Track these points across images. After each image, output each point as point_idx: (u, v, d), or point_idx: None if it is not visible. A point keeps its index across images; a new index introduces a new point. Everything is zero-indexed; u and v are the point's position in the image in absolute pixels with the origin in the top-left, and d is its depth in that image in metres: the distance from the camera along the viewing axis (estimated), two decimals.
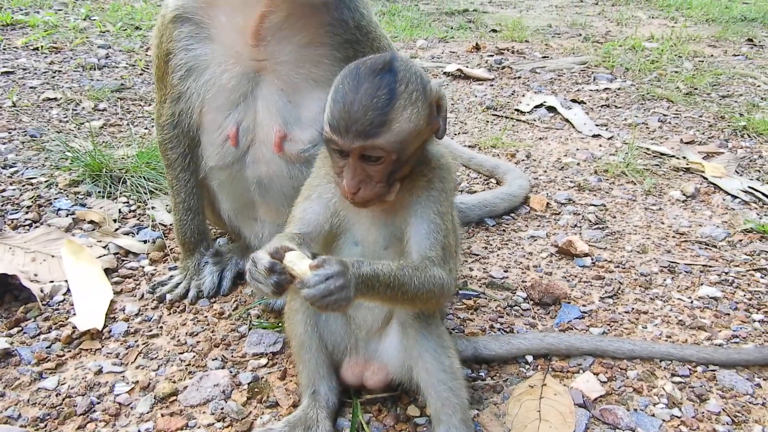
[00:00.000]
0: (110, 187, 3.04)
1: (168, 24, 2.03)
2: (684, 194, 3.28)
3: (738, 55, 6.78)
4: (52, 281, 2.32)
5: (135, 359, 1.97)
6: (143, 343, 2.05)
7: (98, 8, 7.36)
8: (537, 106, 4.67)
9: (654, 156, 3.79)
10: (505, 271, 2.57)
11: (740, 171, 3.62)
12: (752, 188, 3.32)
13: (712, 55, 6.66)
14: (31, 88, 4.47)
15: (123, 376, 1.90)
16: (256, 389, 1.87)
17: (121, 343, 2.04)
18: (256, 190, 2.15)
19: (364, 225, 1.65)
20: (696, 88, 5.23)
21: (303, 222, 1.67)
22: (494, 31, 7.64)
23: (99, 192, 2.99)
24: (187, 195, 2.27)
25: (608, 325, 2.25)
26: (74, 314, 2.14)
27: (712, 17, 9.03)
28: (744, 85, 5.55)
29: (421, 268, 1.51)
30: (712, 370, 2.01)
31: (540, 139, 4.09)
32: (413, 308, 1.65)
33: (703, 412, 1.85)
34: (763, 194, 3.25)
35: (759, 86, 5.53)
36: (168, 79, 2.09)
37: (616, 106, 4.80)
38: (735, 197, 3.27)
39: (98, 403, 1.79)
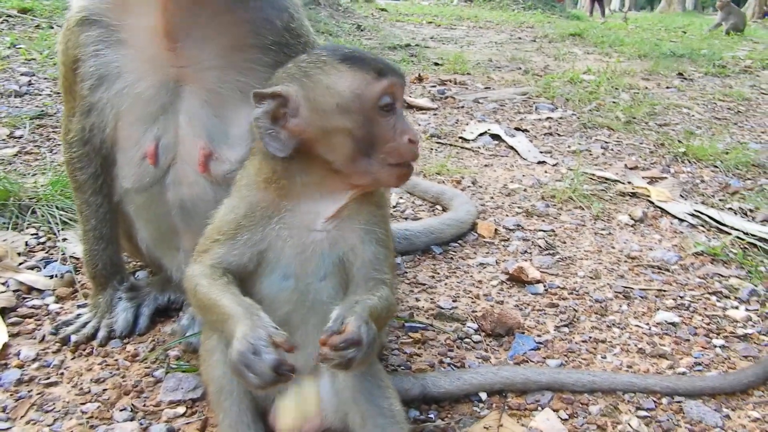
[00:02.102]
0: (17, 217, 2.72)
1: (73, 28, 1.79)
2: (632, 218, 3.20)
3: (670, 87, 6.97)
4: None
5: (26, 413, 1.67)
6: (38, 393, 1.75)
7: (26, 37, 6.97)
8: (481, 134, 4.59)
9: (600, 181, 3.73)
10: (454, 301, 2.38)
11: (684, 195, 3.59)
12: (698, 211, 3.27)
13: (646, 88, 6.82)
14: None
15: None
16: None
17: (11, 394, 1.74)
18: (177, 215, 1.90)
19: (303, 254, 1.44)
20: (634, 117, 5.28)
21: (225, 263, 1.47)
22: (437, 64, 7.65)
23: (4, 223, 2.68)
24: (98, 222, 2.00)
25: (565, 356, 2.08)
26: None
27: (643, 53, 9.35)
28: (679, 114, 5.67)
29: (381, 294, 1.41)
30: (678, 402, 1.86)
31: (485, 166, 3.99)
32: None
33: None
34: (710, 217, 3.20)
35: (693, 115, 5.65)
36: (76, 90, 1.84)
37: (558, 134, 4.78)
38: (682, 221, 3.21)
39: None
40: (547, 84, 6.39)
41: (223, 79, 1.78)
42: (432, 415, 1.77)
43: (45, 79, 5.32)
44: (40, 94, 4.90)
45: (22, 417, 1.66)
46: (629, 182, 3.69)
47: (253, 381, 1.25)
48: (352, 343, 1.26)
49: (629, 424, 1.76)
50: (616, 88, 6.45)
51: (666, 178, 3.81)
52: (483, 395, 1.84)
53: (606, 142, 4.56)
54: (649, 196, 3.47)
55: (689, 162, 4.16)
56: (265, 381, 1.24)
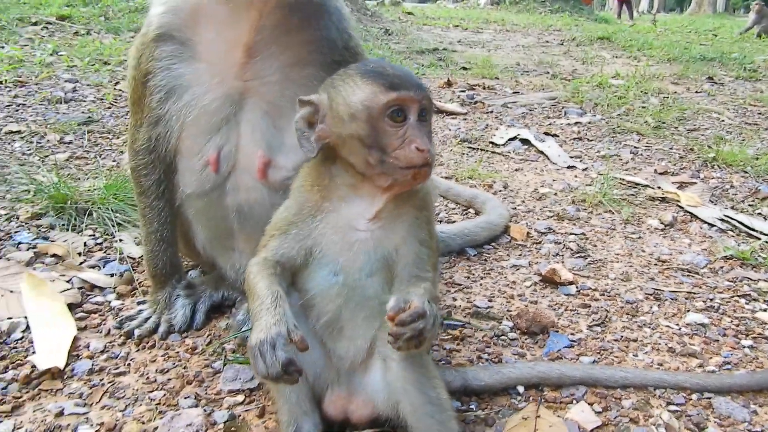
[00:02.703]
0: (75, 219, 2.89)
1: (150, 42, 1.94)
2: (662, 223, 3.27)
3: (700, 92, 6.98)
4: (10, 318, 2.16)
5: (100, 399, 1.82)
6: (109, 382, 1.90)
7: (65, 44, 7.23)
8: (511, 139, 4.69)
9: (629, 186, 3.80)
10: (490, 301, 2.49)
11: (714, 200, 3.65)
12: (728, 216, 3.33)
13: (675, 92, 6.84)
14: None
15: (87, 418, 1.74)
16: (232, 428, 1.73)
17: (85, 383, 1.89)
18: (235, 219, 2.04)
19: (350, 252, 1.57)
20: (664, 122, 5.33)
21: (278, 254, 1.62)
22: (464, 68, 7.75)
23: (63, 225, 2.85)
24: (160, 225, 2.15)
25: (598, 353, 2.18)
26: (34, 352, 1.99)
27: (672, 57, 9.33)
28: (709, 119, 5.69)
29: (425, 287, 1.51)
30: (707, 398, 1.95)
31: (516, 170, 4.08)
32: None
33: None
34: (740, 222, 3.26)
35: (723, 120, 5.67)
36: (145, 102, 1.99)
37: (588, 139, 4.85)
38: (712, 225, 3.27)
39: None
40: (575, 89, 6.45)
41: (283, 92, 1.92)
42: (473, 406, 1.88)
43: (88, 85, 5.54)
44: (85, 101, 5.11)
45: (96, 403, 1.81)
46: (659, 187, 3.76)
47: (262, 370, 1.37)
48: (419, 315, 1.39)
49: (660, 417, 1.85)
50: (645, 93, 6.49)
51: (695, 183, 3.87)
52: (520, 389, 1.95)
53: (635, 147, 4.62)
54: (678, 200, 3.53)
55: (719, 167, 4.21)
56: (272, 374, 1.37)
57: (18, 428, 1.69)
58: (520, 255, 2.90)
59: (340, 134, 1.52)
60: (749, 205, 3.59)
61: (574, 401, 1.92)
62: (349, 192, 1.58)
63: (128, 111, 4.80)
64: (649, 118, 5.41)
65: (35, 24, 7.98)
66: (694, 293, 2.60)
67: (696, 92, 6.95)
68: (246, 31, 1.84)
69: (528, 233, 3.10)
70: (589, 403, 1.90)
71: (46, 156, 3.74)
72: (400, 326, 1.38)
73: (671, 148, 4.65)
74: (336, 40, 1.95)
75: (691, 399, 1.95)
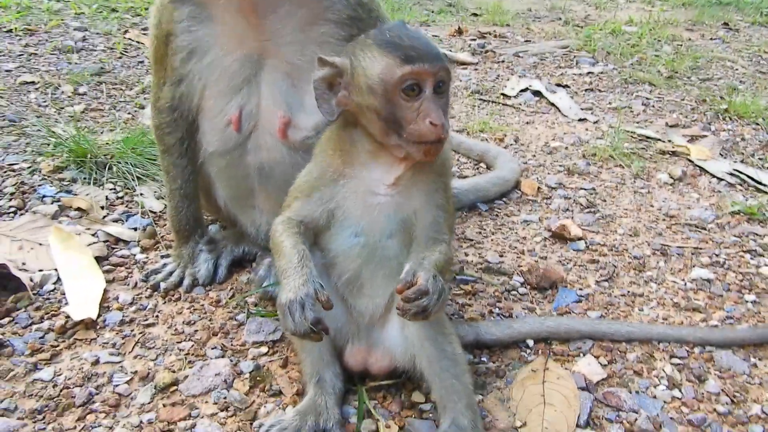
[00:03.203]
0: (96, 173, 2.96)
1: (167, 4, 1.96)
2: (671, 177, 3.31)
3: (715, 38, 6.85)
4: (41, 270, 2.25)
5: (132, 349, 1.93)
6: (140, 333, 2.01)
7: None
8: (522, 90, 4.67)
9: (640, 139, 3.81)
10: (501, 256, 2.57)
11: (724, 154, 3.67)
12: (737, 170, 3.37)
13: (690, 39, 6.72)
14: (6, 71, 4.33)
15: (121, 366, 1.86)
16: (258, 378, 1.85)
17: (117, 333, 2.00)
18: (256, 177, 2.10)
19: (370, 215, 1.63)
20: (676, 72, 5.27)
21: (301, 215, 1.68)
22: (475, 15, 7.61)
23: (84, 178, 2.92)
24: (183, 182, 2.22)
25: (605, 308, 2.26)
26: (66, 304, 2.09)
27: (687, 1, 9.09)
28: (723, 68, 5.62)
29: (441, 249, 1.58)
30: (709, 351, 2.04)
31: (527, 123, 4.09)
32: None
33: (702, 393, 1.88)
34: (749, 176, 3.30)
35: (737, 69, 5.60)
36: (168, 62, 2.02)
37: (599, 90, 4.83)
38: (721, 179, 3.31)
39: (97, 393, 1.75)
40: (588, 36, 6.35)
41: (301, 52, 1.95)
42: (484, 359, 1.99)
43: (97, 34, 5.50)
44: (95, 50, 5.09)
45: (129, 352, 1.92)
46: (669, 140, 3.77)
47: (291, 327, 1.47)
48: (421, 293, 1.46)
49: (663, 370, 1.95)
50: (659, 40, 6.39)
51: (706, 136, 3.88)
52: (530, 342, 2.05)
53: (647, 99, 4.60)
54: (688, 154, 3.56)
55: (730, 119, 4.20)
56: (301, 331, 1.47)
57: (58, 375, 1.80)
58: (530, 210, 2.96)
59: (359, 104, 1.56)
60: (759, 158, 3.61)
61: (581, 354, 2.01)
62: (370, 158, 1.63)
63: (139, 62, 4.82)
64: (662, 68, 5.35)
65: None
66: (701, 248, 2.66)
67: (710, 39, 6.83)
68: None
69: (539, 188, 3.15)
70: (595, 356, 2.00)
71: (62, 108, 3.78)
72: (406, 302, 1.46)
73: (683, 99, 4.62)
74: None
75: (693, 352, 2.04)
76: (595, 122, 4.11)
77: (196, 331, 2.03)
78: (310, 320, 1.45)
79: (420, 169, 1.64)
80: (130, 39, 5.40)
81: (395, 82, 1.49)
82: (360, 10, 1.96)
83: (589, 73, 5.24)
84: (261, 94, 1.98)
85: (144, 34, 5.59)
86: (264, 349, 1.97)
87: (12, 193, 2.74)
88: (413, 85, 1.49)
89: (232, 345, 1.98)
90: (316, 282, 1.50)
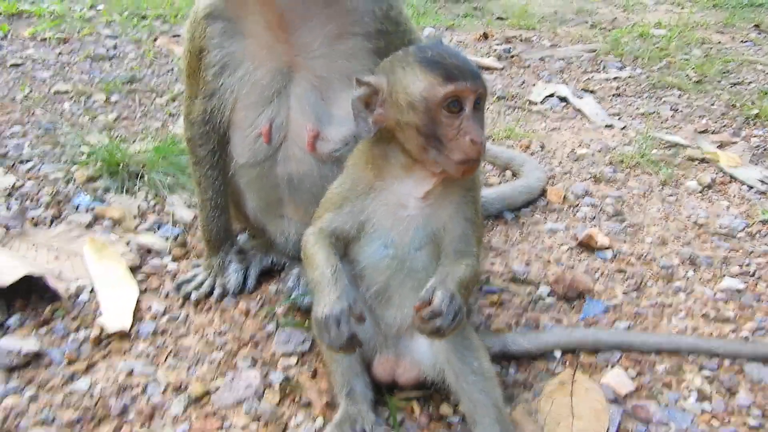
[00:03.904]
0: (128, 182, 3.02)
1: (200, 20, 2.01)
2: (700, 185, 3.27)
3: (746, 41, 6.74)
4: (77, 280, 2.32)
5: (165, 360, 1.98)
6: (172, 343, 2.05)
7: None
8: (548, 96, 4.65)
9: (668, 146, 3.77)
10: (527, 266, 2.57)
11: (755, 160, 3.62)
12: None
13: (720, 42, 6.63)
14: (41, 80, 4.45)
15: (155, 377, 1.90)
16: (288, 389, 1.88)
17: (150, 343, 2.05)
18: (285, 188, 2.14)
19: (400, 227, 1.65)
20: (706, 76, 5.20)
21: (332, 227, 1.71)
22: (501, 18, 7.59)
23: (117, 188, 2.98)
24: (215, 192, 2.26)
25: (633, 319, 2.25)
26: (101, 314, 2.15)
27: (718, 3, 8.95)
28: (754, 72, 5.52)
29: (467, 262, 1.61)
30: (739, 363, 2.02)
31: (553, 129, 4.08)
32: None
33: (733, 406, 1.87)
34: None
35: None
36: (201, 76, 2.07)
37: (627, 95, 4.78)
38: (751, 187, 3.26)
39: (132, 404, 1.80)
40: (615, 40, 6.30)
41: (329, 65, 1.98)
42: (512, 370, 1.99)
43: (128, 42, 5.61)
44: (126, 58, 5.20)
45: (162, 363, 1.97)
46: (698, 147, 3.73)
47: (326, 342, 1.52)
48: (435, 314, 1.48)
49: (693, 382, 1.94)
50: (688, 44, 6.31)
51: (736, 142, 3.82)
52: (557, 353, 2.05)
53: (676, 104, 4.55)
54: (718, 161, 3.51)
55: (761, 125, 4.13)
56: (336, 346, 1.52)
57: (94, 386, 1.86)
58: (557, 219, 2.95)
59: (398, 120, 1.58)
60: None
61: (610, 366, 2.01)
62: (402, 172, 1.65)
63: (168, 69, 4.90)
64: (691, 72, 5.29)
65: None
66: (730, 258, 2.63)
67: (742, 42, 6.72)
68: (270, 10, 1.89)
69: (565, 196, 3.14)
70: (623, 368, 2.00)
71: (95, 117, 3.87)
72: (421, 321, 1.49)
73: (713, 105, 4.56)
74: (374, 9, 1.97)
75: (723, 364, 2.03)
76: (623, 128, 4.08)
77: (226, 341, 2.07)
78: (345, 336, 1.49)
79: (450, 183, 1.66)
80: (159, 46, 5.50)
81: (438, 100, 1.52)
82: (388, 24, 1.98)
83: (616, 77, 5.19)
84: (290, 107, 2.02)
85: (173, 41, 5.70)
86: (293, 360, 2.00)
87: (48, 203, 2.82)
88: (454, 102, 1.53)
89: (262, 356, 2.02)
90: (350, 296, 1.54)
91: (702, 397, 1.90)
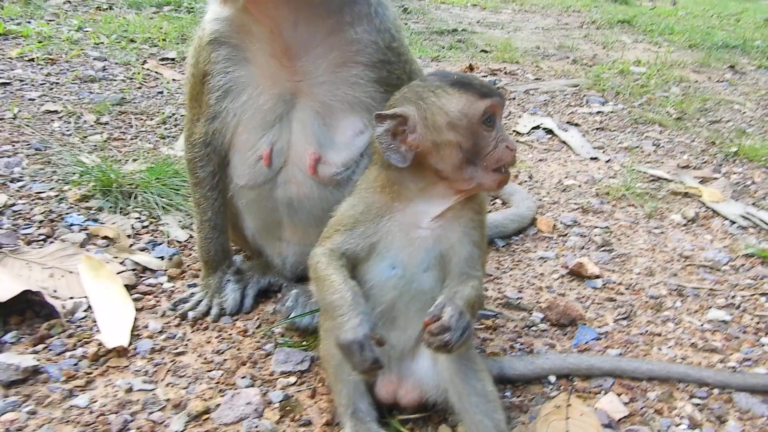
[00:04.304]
0: (121, 202, 3.02)
1: (205, 46, 2.05)
2: (685, 218, 3.37)
3: (722, 81, 6.99)
4: (71, 297, 2.30)
5: (164, 377, 1.97)
6: (170, 361, 2.05)
7: (90, 19, 7.30)
8: (534, 128, 4.76)
9: (652, 180, 3.89)
10: (519, 292, 2.61)
11: (735, 196, 3.73)
12: (749, 213, 3.43)
13: (696, 81, 6.86)
14: (30, 100, 4.43)
15: (154, 394, 1.89)
16: (287, 407, 1.88)
17: (149, 361, 2.04)
18: (284, 211, 2.17)
19: (410, 248, 1.69)
20: (685, 113, 5.38)
21: (343, 248, 1.74)
22: (485, 51, 7.77)
23: (110, 207, 2.98)
24: (214, 213, 2.28)
25: (624, 346, 2.30)
26: (98, 331, 2.14)
27: (694, 43, 9.28)
28: (731, 111, 5.73)
29: (476, 286, 1.66)
30: (728, 392, 2.07)
31: (540, 160, 4.18)
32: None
33: None
34: (761, 220, 3.35)
35: (745, 113, 5.71)
36: (204, 99, 2.11)
37: (610, 129, 4.92)
38: (733, 222, 3.37)
39: (132, 421, 1.78)
40: (597, 76, 6.48)
41: (332, 92, 2.03)
42: (508, 394, 2.02)
43: (117, 64, 5.62)
44: (115, 80, 5.20)
45: (161, 380, 1.96)
46: (681, 182, 3.84)
47: (350, 365, 1.57)
48: (444, 329, 1.52)
49: (684, 410, 1.99)
50: (667, 81, 6.52)
51: (717, 178, 3.95)
52: (552, 378, 2.09)
53: (657, 139, 4.69)
54: (701, 196, 3.62)
55: (741, 162, 4.28)
56: (360, 369, 1.56)
57: (93, 402, 1.84)
58: (547, 247, 3.01)
59: (435, 142, 1.64)
60: None
61: (603, 392, 2.05)
62: (419, 194, 1.70)
63: (158, 92, 4.92)
64: (671, 109, 5.46)
65: None
66: (716, 290, 2.71)
67: (717, 81, 6.96)
68: (274, 39, 1.94)
69: (554, 225, 3.21)
70: (617, 394, 2.03)
71: (85, 137, 3.86)
72: (430, 335, 1.53)
73: (693, 141, 4.71)
74: (377, 41, 2.03)
75: (713, 393, 2.08)
76: (607, 161, 4.19)
77: (225, 360, 2.07)
78: (370, 360, 1.54)
79: (462, 206, 1.72)
80: (148, 69, 5.52)
81: (479, 115, 1.62)
82: (390, 54, 2.04)
83: (599, 112, 5.34)
84: (292, 131, 2.06)
85: (162, 64, 5.73)
86: (292, 379, 2.00)
87: (41, 221, 2.80)
88: (491, 116, 1.63)
89: (261, 374, 2.02)
90: (370, 320, 1.58)
91: (693, 424, 1.94)
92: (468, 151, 1.63)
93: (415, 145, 1.66)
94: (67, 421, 1.76)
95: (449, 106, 1.64)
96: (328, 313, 1.77)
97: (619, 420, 1.93)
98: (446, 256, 1.71)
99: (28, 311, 2.19)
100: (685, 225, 3.32)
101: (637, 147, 4.50)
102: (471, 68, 6.63)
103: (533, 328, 2.38)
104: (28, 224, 2.77)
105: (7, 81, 4.79)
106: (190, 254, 2.68)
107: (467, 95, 1.63)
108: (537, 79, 6.54)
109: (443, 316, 1.53)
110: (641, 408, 1.99)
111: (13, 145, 3.62)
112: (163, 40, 6.41)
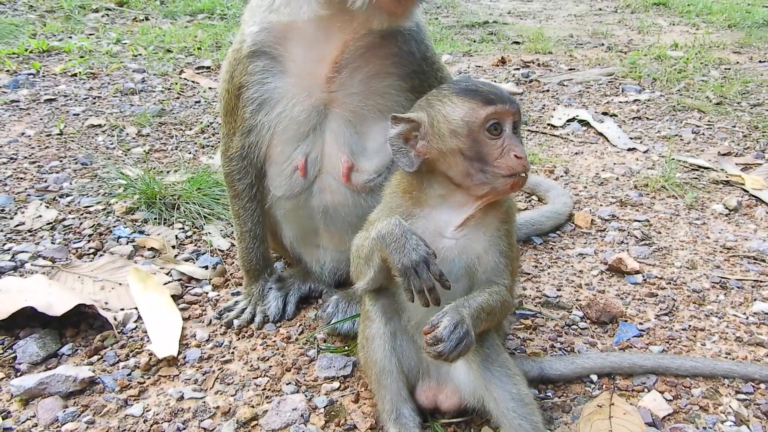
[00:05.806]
0: (165, 213, 3.12)
1: (243, 58, 2.09)
2: (727, 208, 3.31)
3: (764, 61, 6.77)
4: (122, 309, 2.40)
5: (213, 385, 2.05)
6: (218, 369, 2.12)
7: (128, 31, 7.50)
8: (569, 120, 4.71)
9: (692, 169, 3.82)
10: (558, 290, 2.61)
11: None
12: None
13: (737, 62, 6.66)
14: (74, 115, 4.59)
15: (204, 402, 1.96)
16: (332, 413, 1.93)
17: (197, 369, 2.12)
18: (321, 219, 2.22)
19: (438, 258, 1.71)
20: (726, 98, 5.25)
21: None
22: (516, 42, 7.69)
23: (155, 219, 3.08)
24: (253, 224, 2.34)
25: (667, 342, 2.29)
26: (148, 341, 2.22)
27: (734, 22, 9.00)
28: None
29: (493, 290, 1.67)
30: None
31: (576, 153, 4.14)
32: (487, 326, 1.71)
33: None
34: None
35: None
36: (239, 113, 2.16)
37: (647, 118, 4.84)
38: None
39: (184, 428, 1.86)
40: (632, 63, 6.36)
41: (364, 101, 2.07)
42: (549, 394, 2.03)
43: (155, 75, 5.77)
44: (154, 91, 5.34)
45: (210, 388, 2.03)
46: (722, 169, 3.76)
47: (417, 286, 1.58)
48: (436, 340, 1.53)
49: (730, 406, 1.97)
50: (706, 65, 6.36)
51: (761, 164, 3.86)
52: (594, 377, 2.09)
53: (697, 126, 4.59)
54: (743, 184, 3.54)
55: None
56: (428, 285, 1.57)
57: (147, 411, 1.92)
58: (585, 243, 3.00)
59: (441, 149, 1.67)
60: None
61: (646, 390, 2.04)
62: (440, 201, 1.72)
63: (195, 101, 5.03)
64: (711, 93, 5.33)
65: (96, 11, 8.28)
66: (761, 281, 2.66)
67: (760, 62, 6.75)
68: (335, 48, 1.98)
69: (592, 220, 3.19)
70: (660, 392, 2.02)
71: (128, 149, 3.99)
72: (426, 345, 1.54)
73: (734, 126, 4.60)
74: (414, 52, 2.08)
75: (759, 388, 2.05)
76: (645, 152, 4.13)
77: (270, 366, 2.13)
78: (437, 273, 1.57)
79: (486, 214, 1.73)
80: (185, 79, 5.65)
81: (480, 122, 1.63)
82: (424, 65, 2.08)
83: (635, 100, 5.25)
84: (325, 141, 2.10)
85: (198, 73, 5.85)
86: (336, 384, 2.05)
87: (90, 235, 2.92)
88: (495, 124, 1.64)
89: (305, 380, 2.08)
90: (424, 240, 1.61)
91: (739, 420, 1.92)
92: (472, 158, 1.65)
93: (423, 151, 1.70)
94: (124, 430, 1.84)
95: (452, 114, 1.67)
96: (365, 320, 1.82)
97: (663, 418, 1.92)
98: (473, 266, 1.73)
99: (83, 323, 2.29)
100: (727, 215, 3.26)
101: (676, 135, 4.42)
102: (503, 61, 6.58)
103: (573, 327, 2.38)
104: (78, 238, 2.89)
105: (53, 97, 4.97)
106: (233, 263, 2.76)
107: (470, 103, 1.66)
108: (571, 69, 6.46)
109: (438, 326, 1.54)
110: (685, 405, 1.98)
111: (61, 161, 3.77)
112: (198, 48, 6.55)
